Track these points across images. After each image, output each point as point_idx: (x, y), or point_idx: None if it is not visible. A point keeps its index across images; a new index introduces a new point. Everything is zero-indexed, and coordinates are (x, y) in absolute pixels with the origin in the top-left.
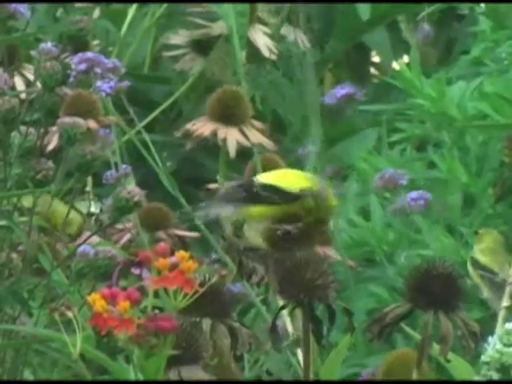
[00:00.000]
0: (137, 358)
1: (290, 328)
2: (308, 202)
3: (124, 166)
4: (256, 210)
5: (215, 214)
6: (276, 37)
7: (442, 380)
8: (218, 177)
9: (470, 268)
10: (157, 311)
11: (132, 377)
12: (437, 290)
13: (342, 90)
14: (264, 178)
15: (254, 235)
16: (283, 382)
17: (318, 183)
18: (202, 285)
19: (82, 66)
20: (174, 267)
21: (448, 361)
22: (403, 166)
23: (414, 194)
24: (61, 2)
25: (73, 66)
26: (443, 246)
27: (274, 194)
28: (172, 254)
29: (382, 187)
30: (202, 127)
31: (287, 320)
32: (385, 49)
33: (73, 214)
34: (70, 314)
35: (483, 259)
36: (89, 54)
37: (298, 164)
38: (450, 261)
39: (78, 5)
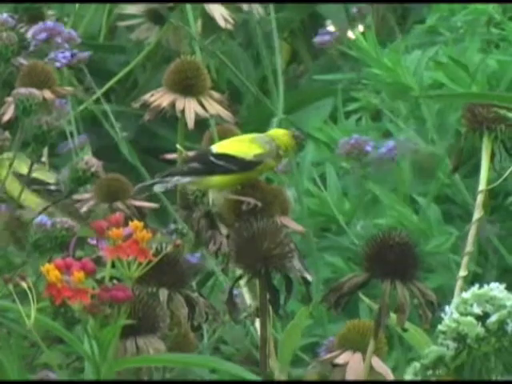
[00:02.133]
0: (91, 327)
1: (247, 298)
2: (266, 164)
3: (81, 135)
4: (214, 179)
5: (173, 187)
6: (231, 6)
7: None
8: (177, 146)
9: None
10: (115, 282)
11: (86, 346)
12: (393, 259)
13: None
14: (218, 147)
15: (218, 201)
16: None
17: (266, 143)
18: (157, 255)
19: (42, 36)
20: (129, 237)
21: (405, 330)
22: (359, 135)
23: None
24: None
25: (31, 36)
26: (399, 215)
27: (230, 163)
28: (127, 224)
29: (347, 153)
30: (160, 98)
31: (245, 290)
32: (340, 18)
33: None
34: (24, 285)
35: None
36: (48, 24)
37: (255, 132)
38: (406, 230)
39: None
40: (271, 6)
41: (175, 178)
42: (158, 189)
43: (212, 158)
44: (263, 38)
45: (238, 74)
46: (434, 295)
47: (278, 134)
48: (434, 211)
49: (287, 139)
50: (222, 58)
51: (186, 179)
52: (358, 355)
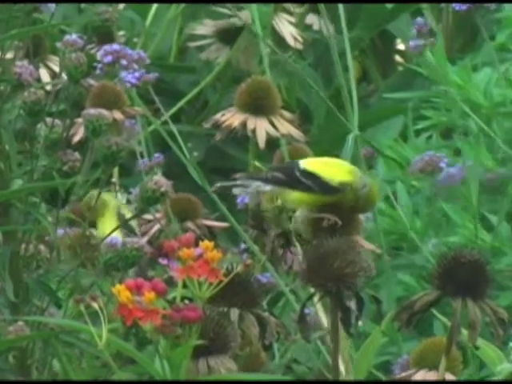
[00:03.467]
0: (163, 348)
1: (322, 317)
2: (346, 196)
3: (157, 155)
4: (293, 195)
5: (253, 191)
6: (301, 25)
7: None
8: (255, 163)
9: None
10: (186, 302)
11: (158, 366)
12: (464, 277)
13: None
14: (306, 164)
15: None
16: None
17: (360, 178)
18: (228, 274)
19: (108, 58)
20: (199, 257)
21: (477, 348)
22: None
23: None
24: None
25: (99, 58)
26: (470, 233)
27: (314, 183)
28: (198, 244)
29: (420, 170)
30: (231, 118)
31: (319, 308)
32: (409, 36)
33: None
34: (95, 305)
35: None
36: (115, 46)
37: (326, 153)
38: (478, 248)
39: None
40: (343, 24)
41: (256, 183)
42: (236, 191)
43: (297, 173)
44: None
45: (316, 88)
46: (506, 313)
47: (375, 187)
48: (506, 229)
49: (372, 196)
50: (296, 75)
51: (267, 187)
52: (434, 373)
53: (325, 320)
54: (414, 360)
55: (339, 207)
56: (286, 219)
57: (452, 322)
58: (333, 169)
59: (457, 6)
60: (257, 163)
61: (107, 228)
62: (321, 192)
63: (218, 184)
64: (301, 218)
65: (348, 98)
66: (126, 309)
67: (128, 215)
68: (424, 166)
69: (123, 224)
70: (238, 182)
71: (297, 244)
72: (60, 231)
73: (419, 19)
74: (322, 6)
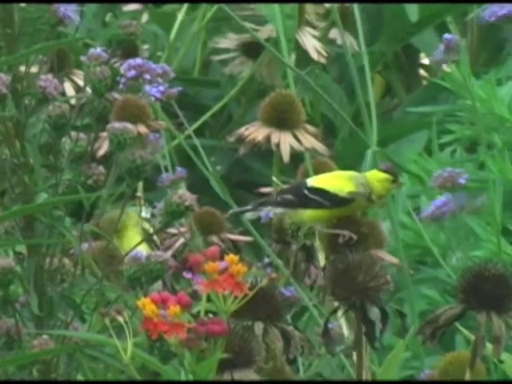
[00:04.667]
0: (188, 361)
1: (345, 331)
2: (360, 203)
3: (179, 169)
4: (306, 213)
5: (265, 217)
6: (324, 40)
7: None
8: (273, 179)
9: None
10: (210, 316)
11: (183, 380)
12: (489, 291)
13: (502, 10)
14: (313, 181)
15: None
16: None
17: (360, 179)
18: (252, 288)
19: (132, 73)
20: (224, 271)
21: (501, 361)
22: (454, 167)
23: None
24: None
25: (122, 73)
26: (494, 247)
27: (323, 198)
28: (223, 257)
29: (440, 186)
30: (255, 132)
31: (343, 322)
32: (434, 50)
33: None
34: (120, 319)
35: None
36: (138, 61)
37: (350, 167)
38: (502, 262)
39: (126, 9)
40: (361, 40)
41: (267, 208)
42: (249, 216)
43: (306, 192)
44: (357, 71)
45: (335, 106)
46: None
47: (375, 178)
48: None
49: (383, 185)
50: (318, 91)
51: (278, 210)
52: None
53: (348, 334)
54: (438, 374)
55: (356, 220)
56: (303, 235)
57: (476, 335)
58: (338, 181)
59: (487, 16)
60: (275, 179)
61: (131, 241)
62: (332, 205)
63: (231, 211)
64: (316, 233)
65: (367, 114)
66: (151, 322)
67: (149, 229)
68: (444, 181)
69: (148, 238)
70: (250, 208)
71: (317, 258)
72: (84, 245)
73: (448, 35)
74: (338, 20)
